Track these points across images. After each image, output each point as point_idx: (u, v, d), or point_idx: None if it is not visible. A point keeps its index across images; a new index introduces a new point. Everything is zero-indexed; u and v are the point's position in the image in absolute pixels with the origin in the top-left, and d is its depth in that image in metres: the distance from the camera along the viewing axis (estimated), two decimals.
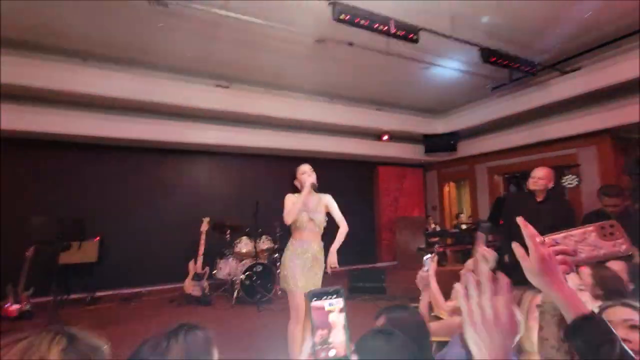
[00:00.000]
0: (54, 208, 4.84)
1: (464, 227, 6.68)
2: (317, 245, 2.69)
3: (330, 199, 2.83)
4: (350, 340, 0.65)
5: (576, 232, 0.78)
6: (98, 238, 5.00)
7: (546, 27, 4.10)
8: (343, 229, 2.77)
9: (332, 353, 0.64)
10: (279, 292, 5.00)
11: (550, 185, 2.89)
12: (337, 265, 2.68)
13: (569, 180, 4.83)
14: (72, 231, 4.12)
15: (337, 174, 7.40)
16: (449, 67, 4.84)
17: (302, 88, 5.83)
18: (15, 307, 4.12)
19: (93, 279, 5.02)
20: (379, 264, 7.54)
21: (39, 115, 4.60)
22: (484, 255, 1.30)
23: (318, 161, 6.96)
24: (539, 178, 2.89)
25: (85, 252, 4.80)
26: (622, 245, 0.75)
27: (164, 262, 5.44)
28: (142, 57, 4.63)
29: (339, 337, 0.65)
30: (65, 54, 4.42)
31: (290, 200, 2.69)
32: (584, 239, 0.77)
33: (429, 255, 2.09)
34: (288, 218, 2.61)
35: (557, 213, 2.78)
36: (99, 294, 5.06)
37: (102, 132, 4.97)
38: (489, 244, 5.49)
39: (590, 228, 0.77)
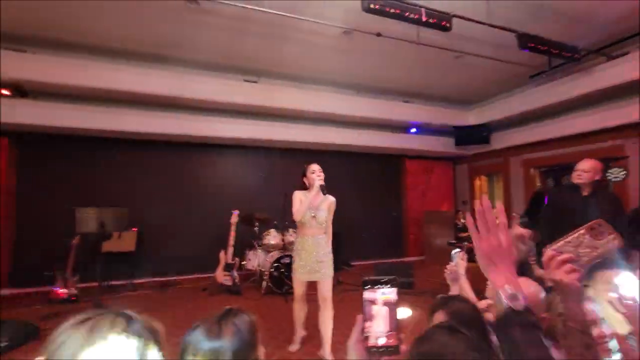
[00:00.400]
0: (97, 199, 5.15)
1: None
2: (322, 238, 2.89)
3: (334, 202, 2.97)
4: (398, 329, 0.65)
5: (571, 237, 0.82)
6: (136, 229, 5.27)
7: (590, 9, 3.82)
8: (329, 231, 2.98)
9: (381, 341, 0.65)
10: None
11: (597, 178, 2.72)
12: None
13: (615, 174, 4.51)
14: (113, 222, 4.36)
15: (363, 168, 7.36)
16: (483, 55, 4.62)
17: (329, 81, 5.80)
18: (64, 291, 4.44)
19: (131, 267, 5.30)
20: (405, 259, 7.44)
21: (82, 112, 4.88)
22: (521, 235, 1.25)
23: (344, 154, 7.00)
24: (584, 171, 2.73)
25: (125, 241, 5.08)
26: (614, 240, 0.79)
27: (197, 253, 5.65)
28: (174, 53, 4.79)
29: (389, 326, 0.65)
30: (103, 54, 4.66)
31: (298, 197, 2.85)
32: (580, 243, 0.81)
33: (457, 250, 2.04)
34: (297, 215, 2.81)
35: (604, 208, 2.61)
36: (137, 281, 5.35)
37: (138, 127, 5.19)
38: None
39: (582, 231, 0.81)
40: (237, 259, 5.14)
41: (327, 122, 6.29)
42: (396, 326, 0.66)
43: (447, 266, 1.90)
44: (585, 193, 2.75)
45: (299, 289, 2.95)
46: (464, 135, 6.99)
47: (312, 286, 2.99)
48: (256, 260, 5.26)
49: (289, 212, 2.89)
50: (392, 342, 0.65)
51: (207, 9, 3.71)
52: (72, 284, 4.52)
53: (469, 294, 2.08)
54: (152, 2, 3.61)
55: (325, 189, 2.80)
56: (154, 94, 4.91)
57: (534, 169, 6.63)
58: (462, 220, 7.39)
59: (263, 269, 5.08)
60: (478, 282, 2.10)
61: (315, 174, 2.85)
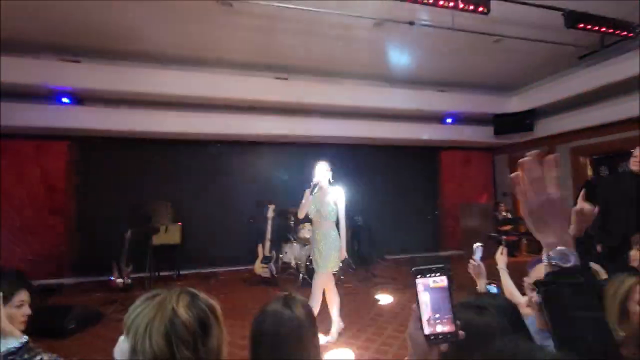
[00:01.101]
0: (146, 196, 5.55)
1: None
2: (328, 232, 3.07)
3: (340, 194, 3.17)
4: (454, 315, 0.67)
5: None
6: (180, 223, 5.61)
7: None
8: (342, 224, 3.17)
9: (439, 328, 0.67)
10: (342, 278, 5.13)
11: None
12: (345, 256, 3.21)
13: None
14: (160, 216, 4.68)
15: (397, 161, 7.25)
16: (525, 38, 4.35)
17: (360, 74, 5.75)
18: (120, 280, 4.85)
19: (177, 258, 5.66)
20: (442, 253, 7.27)
21: (130, 116, 5.25)
22: (581, 210, 1.18)
23: (378, 148, 6.93)
24: None
25: (171, 235, 5.43)
26: None
27: (236, 246, 5.91)
28: (209, 55, 4.99)
29: (445, 313, 0.68)
30: (146, 60, 4.96)
31: (306, 195, 3.05)
32: None
33: (479, 244, 1.99)
34: (300, 213, 3.10)
35: None
36: (182, 272, 5.71)
37: (179, 128, 5.49)
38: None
39: None
40: (274, 252, 5.31)
41: (359, 116, 6.25)
42: (452, 313, 0.68)
43: (471, 260, 1.86)
44: None
45: (319, 282, 3.11)
46: (504, 123, 6.64)
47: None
48: (292, 253, 5.40)
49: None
50: (449, 329, 0.67)
51: (239, 9, 3.83)
52: (127, 274, 4.92)
53: (511, 288, 2.01)
54: (187, 7, 3.78)
55: (317, 185, 3.02)
56: (191, 96, 5.16)
57: (584, 158, 6.16)
58: (503, 213, 7.06)
59: (299, 262, 5.21)
60: (518, 277, 2.04)
61: (317, 171, 3.16)
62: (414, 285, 0.69)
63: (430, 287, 0.68)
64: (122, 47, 4.65)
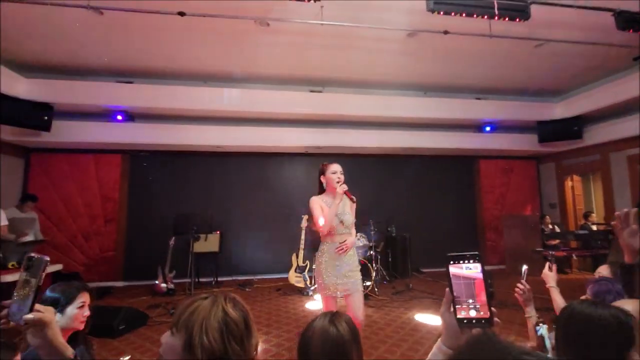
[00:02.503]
0: (188, 206, 5.87)
1: (594, 228, 5.62)
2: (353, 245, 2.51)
3: (355, 202, 2.55)
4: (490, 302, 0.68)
5: None
6: (219, 232, 5.86)
7: None
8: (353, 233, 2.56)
9: (472, 313, 0.68)
10: (376, 290, 5.05)
11: None
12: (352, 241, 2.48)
13: None
14: (201, 225, 4.93)
15: (434, 171, 7.08)
16: (570, 41, 4.13)
17: (395, 84, 5.76)
18: (164, 285, 5.14)
19: (216, 266, 5.90)
20: None
21: (176, 131, 5.63)
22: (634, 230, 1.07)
23: (414, 158, 6.83)
24: None
25: (210, 243, 5.69)
26: None
27: (271, 254, 6.05)
28: (247, 72, 5.25)
29: (480, 299, 0.69)
30: (187, 78, 5.33)
31: (318, 204, 2.44)
32: None
33: (525, 267, 1.83)
34: (325, 227, 2.36)
35: None
36: (220, 279, 5.93)
37: (219, 141, 5.79)
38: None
39: None
40: (307, 261, 5.37)
41: (394, 126, 6.22)
42: (487, 299, 0.69)
43: (519, 284, 1.69)
44: None
45: (332, 306, 2.38)
46: (549, 130, 6.27)
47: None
48: None
49: (356, 217, 2.49)
50: (484, 314, 0.68)
51: (275, 28, 4.02)
52: (170, 279, 5.21)
53: (561, 305, 1.89)
54: (227, 29, 4.02)
55: (352, 196, 2.40)
56: (231, 110, 5.45)
57: None
58: (550, 226, 6.61)
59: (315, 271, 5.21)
60: (568, 295, 1.91)
61: (337, 174, 2.46)
62: (447, 271, 0.72)
63: (464, 273, 0.70)
64: (169, 67, 5.04)
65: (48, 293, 1.54)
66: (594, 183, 7.31)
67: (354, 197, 2.41)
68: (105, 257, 5.84)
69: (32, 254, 0.84)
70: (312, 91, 5.68)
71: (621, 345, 0.93)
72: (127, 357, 1.74)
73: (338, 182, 2.40)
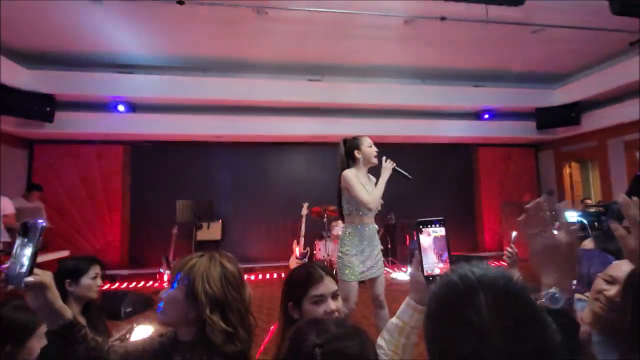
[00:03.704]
0: (190, 194, 5.96)
1: (591, 210, 5.69)
2: (374, 229, 2.37)
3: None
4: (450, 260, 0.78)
5: None
6: (221, 220, 5.95)
7: None
8: None
9: (437, 271, 0.78)
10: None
11: None
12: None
13: None
14: (203, 214, 5.01)
15: (433, 159, 7.13)
16: (567, 26, 4.16)
17: (393, 72, 5.78)
18: (168, 272, 5.25)
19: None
20: (481, 254, 7.01)
21: (177, 121, 5.68)
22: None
23: (413, 146, 6.87)
24: None
25: (213, 231, 5.79)
26: None
27: (272, 242, 6.16)
28: (246, 61, 5.28)
29: (443, 258, 0.79)
30: (191, 68, 5.36)
31: (357, 178, 2.21)
32: None
33: (515, 232, 1.94)
34: (374, 203, 2.15)
35: None
36: None
37: (220, 131, 5.85)
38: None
39: None
40: (308, 248, 5.47)
41: (393, 114, 6.26)
42: (449, 258, 0.79)
43: (507, 248, 1.79)
44: None
45: (353, 293, 2.20)
46: (547, 117, 6.30)
47: None
48: (325, 250, 5.52)
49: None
50: (445, 270, 0.78)
51: (274, 16, 4.05)
52: None
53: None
54: (226, 17, 4.05)
55: (406, 174, 2.24)
56: (230, 100, 5.50)
57: None
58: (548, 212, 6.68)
59: (333, 259, 5.31)
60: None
61: (374, 148, 2.30)
62: (417, 235, 0.81)
63: (431, 236, 0.80)
64: (169, 57, 5.07)
65: (63, 265, 1.63)
66: (592, 170, 7.36)
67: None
68: (109, 246, 5.95)
69: (27, 220, 0.83)
70: (310, 80, 5.71)
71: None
72: (135, 325, 1.83)
73: (376, 157, 2.28)
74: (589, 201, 6.69)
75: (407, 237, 6.29)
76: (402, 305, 0.91)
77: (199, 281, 0.87)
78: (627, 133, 5.66)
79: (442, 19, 3.89)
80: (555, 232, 0.68)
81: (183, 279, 0.89)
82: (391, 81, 5.94)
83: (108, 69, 5.17)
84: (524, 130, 6.66)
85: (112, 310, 3.55)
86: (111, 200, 6.03)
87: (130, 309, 3.69)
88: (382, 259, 2.40)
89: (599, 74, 5.46)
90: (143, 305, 3.90)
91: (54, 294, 0.82)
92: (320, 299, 1.13)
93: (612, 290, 1.05)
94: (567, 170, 7.18)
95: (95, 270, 1.66)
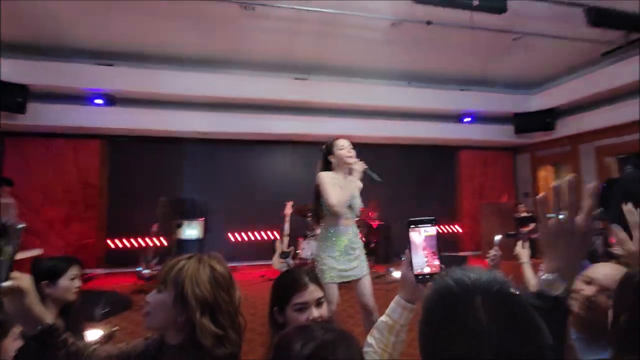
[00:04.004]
0: (171, 192, 5.84)
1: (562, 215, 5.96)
2: (353, 232, 2.32)
3: (361, 185, 2.42)
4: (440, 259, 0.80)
5: None
6: (203, 218, 5.85)
7: None
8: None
9: (426, 270, 0.79)
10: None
11: None
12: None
13: None
14: (184, 211, 4.92)
15: (416, 160, 7.26)
16: (546, 34, 4.32)
17: (379, 73, 5.84)
18: (146, 271, 5.11)
19: (200, 252, 5.89)
20: (461, 253, 7.20)
21: (158, 116, 5.53)
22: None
23: (396, 147, 6.97)
24: None
25: (194, 229, 5.68)
26: None
27: (255, 241, 6.11)
28: (232, 57, 5.21)
29: (433, 258, 0.80)
30: (171, 62, 5.23)
31: (330, 180, 2.21)
32: None
33: (499, 236, 1.98)
34: (340, 206, 2.13)
35: None
36: None
37: (203, 127, 5.74)
38: (595, 232, 4.83)
39: None
40: (292, 247, 5.46)
41: (377, 115, 6.32)
42: (438, 257, 0.80)
43: (490, 251, 1.83)
44: None
45: (334, 295, 2.15)
46: (525, 122, 6.53)
47: None
48: (309, 249, 5.52)
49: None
50: (435, 270, 0.79)
51: (261, 13, 4.00)
52: (153, 266, 5.18)
53: (533, 282, 2.00)
54: (212, 13, 3.98)
55: (375, 176, 2.25)
56: (215, 96, 5.40)
57: (610, 157, 5.98)
58: (523, 214, 6.95)
59: (316, 258, 5.32)
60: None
61: (346, 150, 2.27)
62: (407, 234, 0.81)
63: (421, 235, 0.81)
64: (152, 51, 4.93)
65: (39, 265, 1.56)
66: (565, 173, 7.69)
67: (377, 177, 2.21)
68: (85, 244, 5.73)
69: (6, 220, 0.80)
70: (297, 78, 5.69)
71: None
72: (115, 328, 1.78)
73: (349, 157, 2.23)
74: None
75: (389, 237, 6.39)
76: (392, 304, 0.92)
77: (188, 284, 0.85)
78: (598, 139, 5.95)
79: (428, 23, 3.96)
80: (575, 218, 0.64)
81: (171, 282, 0.87)
82: (377, 82, 6.00)
83: (87, 60, 4.97)
84: (503, 134, 6.88)
85: (87, 311, 3.43)
86: (87, 196, 5.81)
87: (107, 310, 3.57)
88: (366, 260, 2.36)
89: (574, 82, 5.71)
90: (121, 305, 3.79)
91: (33, 299, 0.78)
92: (304, 307, 1.12)
93: (589, 291, 1.10)
94: (542, 174, 7.47)
95: (74, 270, 1.60)
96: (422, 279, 0.81)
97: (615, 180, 4.86)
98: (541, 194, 0.69)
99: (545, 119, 6.29)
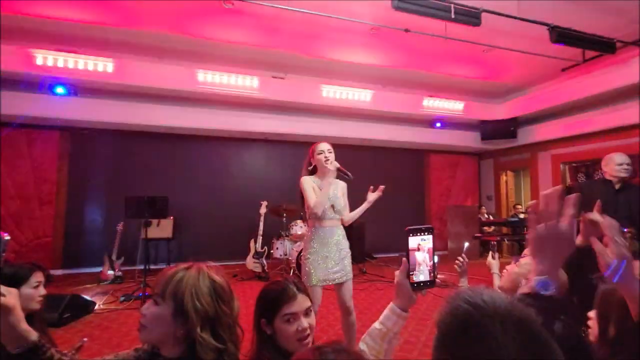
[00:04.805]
0: (138, 189, 5.54)
1: (522, 216, 6.37)
2: (339, 234, 2.37)
3: (345, 186, 2.50)
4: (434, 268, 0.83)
5: None
6: (172, 217, 5.62)
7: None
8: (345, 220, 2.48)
9: (422, 277, 0.82)
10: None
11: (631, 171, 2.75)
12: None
13: None
14: (152, 210, 4.68)
15: (388, 162, 7.43)
16: (513, 49, 4.59)
17: (356, 76, 5.91)
18: (110, 272, 4.85)
19: (169, 252, 5.68)
20: None
21: (125, 108, 5.24)
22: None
23: (369, 148, 7.10)
24: (629, 165, 2.75)
25: (163, 228, 5.44)
26: None
27: (228, 241, 5.97)
28: (207, 51, 5.04)
29: (428, 266, 0.83)
30: (144, 52, 4.98)
31: (310, 184, 2.29)
32: None
33: (467, 243, 2.08)
34: (319, 207, 2.20)
35: (635, 202, 2.63)
36: (173, 265, 5.72)
37: (174, 122, 5.52)
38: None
39: None
40: (265, 247, 5.40)
41: (352, 116, 6.41)
42: (433, 265, 0.83)
43: (459, 257, 1.88)
44: (617, 187, 2.77)
45: (317, 297, 2.21)
46: (490, 129, 6.92)
47: None
48: (283, 249, 5.50)
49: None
50: (430, 278, 0.82)
51: (240, 8, 3.91)
52: (117, 267, 4.92)
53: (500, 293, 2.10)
54: (190, 4, 3.84)
55: (350, 175, 2.25)
56: (187, 90, 5.21)
57: (564, 165, 6.49)
58: (486, 215, 7.35)
59: (290, 258, 5.31)
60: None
61: (324, 154, 2.29)
62: (407, 241, 0.82)
63: (418, 244, 0.83)
64: (120, 38, 4.66)
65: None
66: (524, 178, 8.22)
67: (349, 173, 2.24)
68: (40, 243, 5.32)
69: None
70: (274, 77, 5.63)
71: None
72: (84, 340, 1.68)
73: (327, 161, 2.25)
74: (519, 206, 7.49)
75: (361, 237, 6.50)
76: (386, 311, 0.92)
77: (189, 297, 0.82)
78: (554, 148, 6.43)
79: (406, 30, 4.06)
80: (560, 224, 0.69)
81: (170, 294, 0.84)
82: (353, 84, 6.08)
83: (47, 45, 4.60)
84: (470, 140, 7.23)
85: (47, 316, 3.19)
86: (43, 192, 5.39)
87: (68, 314, 3.35)
88: (350, 264, 2.38)
89: (535, 94, 6.12)
90: (83, 309, 3.56)
91: (18, 316, 0.73)
92: (293, 317, 1.12)
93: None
94: (503, 178, 7.95)
95: (38, 277, 1.49)
96: (417, 286, 0.82)
97: (571, 187, 5.26)
98: (531, 202, 0.75)
99: (509, 127, 6.69)
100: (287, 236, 5.59)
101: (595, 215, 1.35)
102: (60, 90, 4.89)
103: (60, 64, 4.58)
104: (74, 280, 4.95)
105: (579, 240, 1.53)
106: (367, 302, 4.14)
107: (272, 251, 5.58)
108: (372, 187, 2.47)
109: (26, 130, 5.30)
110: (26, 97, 4.79)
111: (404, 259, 0.84)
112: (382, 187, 2.46)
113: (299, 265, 5.02)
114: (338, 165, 2.26)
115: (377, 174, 7.28)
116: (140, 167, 5.88)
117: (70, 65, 4.61)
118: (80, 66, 4.65)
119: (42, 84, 4.84)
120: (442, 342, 0.50)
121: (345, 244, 2.41)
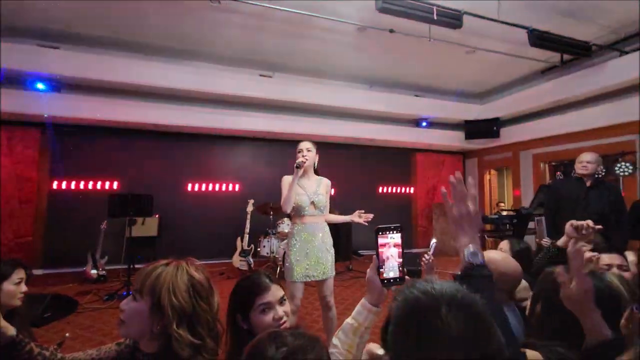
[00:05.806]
0: (123, 187, 5.49)
1: (504, 213, 6.55)
2: (321, 230, 2.40)
3: (329, 184, 2.54)
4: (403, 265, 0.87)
5: None
6: (158, 215, 5.58)
7: (602, 4, 3.87)
8: (328, 218, 2.55)
9: (391, 274, 0.86)
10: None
11: (599, 169, 2.87)
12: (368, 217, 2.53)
13: (622, 168, 4.57)
14: (137, 208, 4.63)
15: (375, 160, 7.52)
16: (495, 51, 4.71)
17: (343, 75, 5.96)
18: (94, 272, 4.78)
19: (154, 251, 5.62)
20: (414, 250, 7.62)
21: (111, 105, 5.15)
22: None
23: (356, 147, 7.17)
24: (589, 162, 2.86)
25: (148, 227, 5.39)
26: None
27: (215, 239, 5.95)
28: (196, 49, 5.01)
29: (397, 263, 0.88)
30: (130, 49, 4.91)
31: (287, 182, 2.34)
32: None
33: (434, 240, 2.14)
34: (286, 206, 2.27)
35: (605, 199, 2.76)
36: None
37: (161, 119, 5.46)
38: (528, 231, 5.38)
39: None
40: (252, 245, 5.41)
41: (340, 116, 6.46)
42: (402, 262, 0.88)
43: (425, 255, 1.94)
44: (588, 184, 2.89)
45: (298, 292, 2.30)
46: (474, 129, 7.06)
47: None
48: (270, 247, 5.52)
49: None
50: (399, 274, 0.87)
51: (227, 7, 3.90)
52: (101, 266, 4.86)
53: None
54: (176, 2, 3.82)
55: (301, 166, 2.28)
56: (176, 88, 5.16)
57: (544, 164, 6.68)
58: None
59: (277, 256, 5.34)
60: None
61: (302, 152, 2.37)
62: (376, 240, 0.87)
63: (387, 242, 0.88)
64: (105, 34, 4.59)
65: None
66: (507, 177, 8.44)
67: (299, 164, 2.26)
68: (20, 243, 5.20)
69: None
70: (262, 75, 5.63)
71: None
72: (66, 335, 1.68)
73: (300, 160, 2.31)
74: (502, 204, 7.70)
75: (348, 235, 6.57)
76: (358, 307, 0.96)
77: (165, 293, 0.83)
78: (535, 147, 6.61)
79: (391, 31, 4.13)
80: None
81: (148, 290, 0.85)
82: (340, 84, 6.13)
83: (28, 40, 4.49)
84: (455, 139, 7.38)
85: (28, 314, 3.15)
86: (23, 190, 5.26)
87: (49, 314, 3.30)
88: (332, 262, 2.41)
89: (517, 95, 6.28)
90: (66, 308, 3.52)
91: None
92: (268, 307, 1.14)
93: None
94: (487, 177, 8.14)
95: (19, 274, 1.49)
96: (387, 283, 0.86)
97: (547, 185, 5.43)
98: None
99: (492, 126, 6.85)
100: (274, 234, 5.61)
101: (568, 229, 1.44)
102: (41, 86, 4.78)
103: (42, 59, 4.48)
104: (56, 280, 4.86)
105: (561, 241, 1.63)
106: (352, 298, 4.21)
107: (258, 249, 5.59)
108: (363, 211, 2.52)
109: (5, 127, 5.16)
110: (6, 92, 4.66)
111: (374, 256, 0.88)
112: (370, 216, 2.52)
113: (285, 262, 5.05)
114: (300, 164, 2.28)
115: (364, 172, 7.40)
116: (125, 164, 5.80)
117: (52, 60, 4.51)
118: (62, 62, 4.55)
119: (22, 80, 4.73)
120: (397, 327, 0.55)
121: (328, 241, 2.43)
